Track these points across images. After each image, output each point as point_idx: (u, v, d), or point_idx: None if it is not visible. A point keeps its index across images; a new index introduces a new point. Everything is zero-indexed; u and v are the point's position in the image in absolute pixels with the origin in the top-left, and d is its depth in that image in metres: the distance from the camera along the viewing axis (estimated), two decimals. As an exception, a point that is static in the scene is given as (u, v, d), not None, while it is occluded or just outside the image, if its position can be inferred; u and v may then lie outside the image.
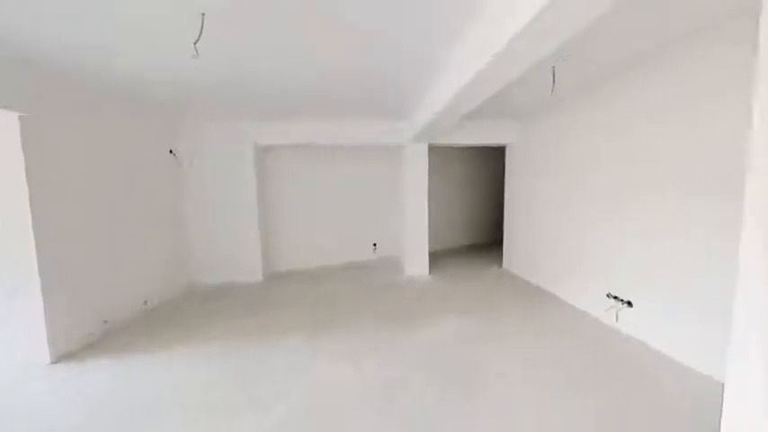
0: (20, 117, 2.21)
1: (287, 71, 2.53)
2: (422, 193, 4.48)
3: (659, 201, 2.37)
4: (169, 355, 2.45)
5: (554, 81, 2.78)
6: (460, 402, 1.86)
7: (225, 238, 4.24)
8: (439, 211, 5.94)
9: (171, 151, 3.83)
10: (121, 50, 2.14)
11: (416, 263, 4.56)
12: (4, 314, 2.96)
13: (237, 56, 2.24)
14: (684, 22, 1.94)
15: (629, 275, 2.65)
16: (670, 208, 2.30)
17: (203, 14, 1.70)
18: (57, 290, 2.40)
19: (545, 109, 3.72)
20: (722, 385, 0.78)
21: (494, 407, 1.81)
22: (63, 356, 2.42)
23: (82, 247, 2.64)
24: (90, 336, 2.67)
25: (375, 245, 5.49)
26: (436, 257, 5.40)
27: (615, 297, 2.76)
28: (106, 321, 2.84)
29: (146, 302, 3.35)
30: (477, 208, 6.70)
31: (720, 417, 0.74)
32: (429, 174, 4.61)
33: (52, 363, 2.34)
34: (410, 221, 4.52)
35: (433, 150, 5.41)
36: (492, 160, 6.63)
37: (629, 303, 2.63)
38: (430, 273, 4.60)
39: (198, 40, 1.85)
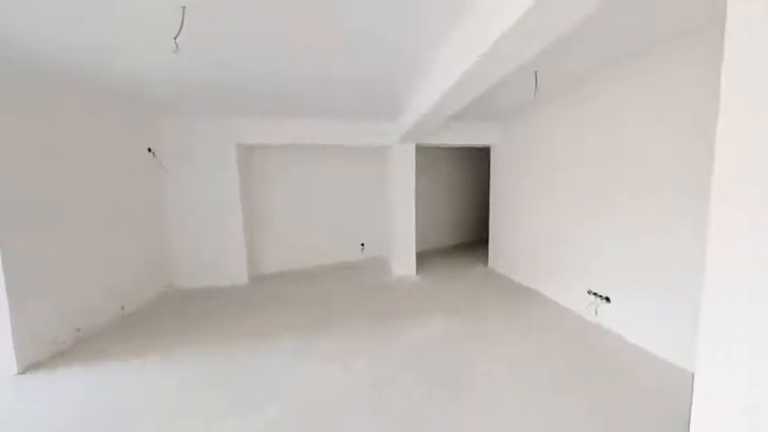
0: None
1: (272, 70, 2.48)
2: (409, 193, 4.50)
3: (635, 201, 2.47)
4: (145, 362, 2.36)
5: (536, 85, 2.85)
6: (448, 401, 1.87)
7: (208, 240, 4.12)
8: (426, 211, 5.98)
9: (150, 150, 3.69)
10: (96, 44, 2.05)
11: (404, 263, 4.57)
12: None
13: (220, 53, 2.18)
14: (667, 24, 1.98)
15: (607, 272, 2.75)
16: (645, 208, 2.40)
17: (184, 8, 1.65)
18: (24, 296, 2.27)
19: (527, 111, 3.82)
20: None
21: (480, 404, 1.83)
22: (31, 366, 2.28)
23: (52, 249, 2.50)
24: (61, 344, 2.53)
25: (363, 245, 5.47)
26: (423, 257, 5.44)
27: (595, 293, 2.86)
28: (79, 329, 2.70)
29: (123, 308, 3.21)
30: (464, 208, 6.79)
31: (691, 406, 0.79)
32: (416, 174, 4.63)
33: (19, 373, 2.20)
34: (398, 221, 4.53)
35: (420, 151, 5.45)
36: (477, 161, 6.74)
37: (608, 299, 2.73)
38: (417, 272, 4.62)
39: (178, 34, 1.78)
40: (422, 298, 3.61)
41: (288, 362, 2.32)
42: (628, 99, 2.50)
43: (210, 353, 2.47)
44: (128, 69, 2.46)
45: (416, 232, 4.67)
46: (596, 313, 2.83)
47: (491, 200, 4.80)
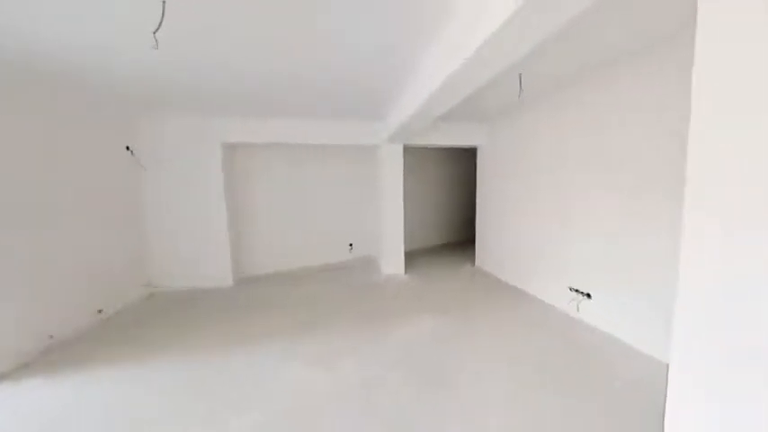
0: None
1: (256, 69, 2.44)
2: (397, 193, 4.51)
3: (615, 202, 2.56)
4: (121, 369, 2.26)
5: (521, 87, 2.92)
6: (437, 399, 1.88)
7: (191, 241, 4.00)
8: (414, 211, 6.01)
9: (128, 148, 3.55)
10: (73, 39, 1.95)
11: (392, 262, 4.58)
12: None
13: (200, 51, 2.12)
14: (650, 28, 2.01)
15: (588, 270, 2.84)
16: (624, 209, 2.49)
17: (164, 2, 1.59)
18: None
19: (512, 112, 3.90)
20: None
21: (468, 401, 1.86)
22: (-3, 377, 2.16)
23: (19, 252, 2.37)
24: (28, 354, 2.39)
25: (351, 245, 5.44)
26: (412, 257, 5.46)
27: (576, 290, 2.95)
28: (51, 336, 2.57)
29: (100, 311, 3.07)
30: (451, 208, 6.87)
31: (666, 396, 0.83)
32: (404, 174, 4.65)
33: (-16, 384, 2.07)
34: (386, 221, 4.53)
35: (408, 151, 5.48)
36: (464, 161, 6.84)
37: (589, 295, 2.83)
38: (406, 272, 4.64)
39: (157, 29, 1.73)
40: (410, 297, 3.63)
41: (273, 365, 2.29)
42: (610, 102, 2.58)
43: (192, 358, 2.40)
44: (104, 66, 2.36)
45: (405, 232, 4.68)
46: (578, 309, 2.92)
47: (478, 200, 4.87)
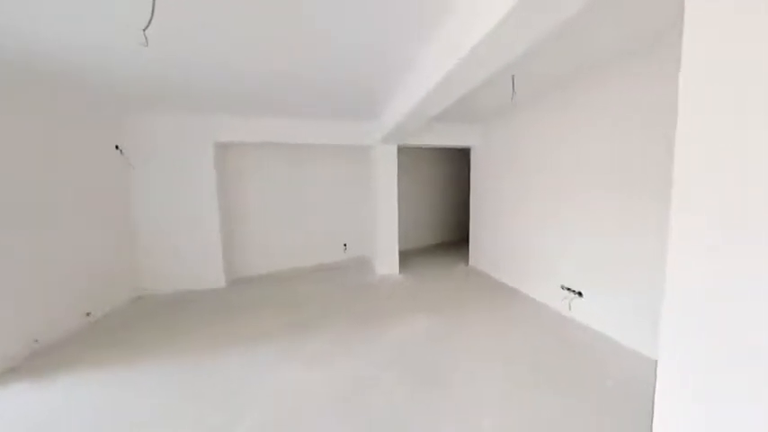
0: None
1: (251, 66, 2.41)
2: (392, 193, 4.51)
3: (605, 202, 2.61)
4: (110, 373, 2.22)
5: (513, 89, 2.94)
6: (432, 398, 1.89)
7: (183, 243, 3.94)
8: (408, 211, 6.02)
9: (117, 147, 3.49)
10: (60, 37, 1.91)
11: (387, 262, 4.58)
12: None
13: (195, 47, 2.09)
14: (642, 30, 2.03)
15: (580, 269, 2.88)
16: (614, 209, 2.53)
17: (154, -1, 1.57)
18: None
19: (505, 114, 3.93)
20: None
21: (463, 399, 1.87)
22: (-19, 382, 2.10)
23: (2, 255, 2.31)
24: (14, 358, 2.32)
25: (346, 245, 5.43)
26: (406, 256, 5.47)
27: (568, 288, 2.99)
28: (37, 340, 2.50)
29: (88, 314, 3.01)
30: (445, 207, 6.90)
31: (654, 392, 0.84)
32: (398, 174, 4.66)
33: (-33, 391, 2.01)
34: (380, 221, 4.53)
35: (402, 151, 5.48)
36: (457, 161, 6.87)
37: (580, 294, 2.87)
38: (400, 271, 4.65)
39: (147, 26, 1.69)
40: (405, 297, 3.63)
41: (267, 367, 2.27)
42: (602, 103, 2.60)
43: (182, 360, 2.36)
44: (93, 64, 2.31)
45: (399, 232, 4.69)
46: (570, 308, 2.96)
47: (471, 200, 4.90)
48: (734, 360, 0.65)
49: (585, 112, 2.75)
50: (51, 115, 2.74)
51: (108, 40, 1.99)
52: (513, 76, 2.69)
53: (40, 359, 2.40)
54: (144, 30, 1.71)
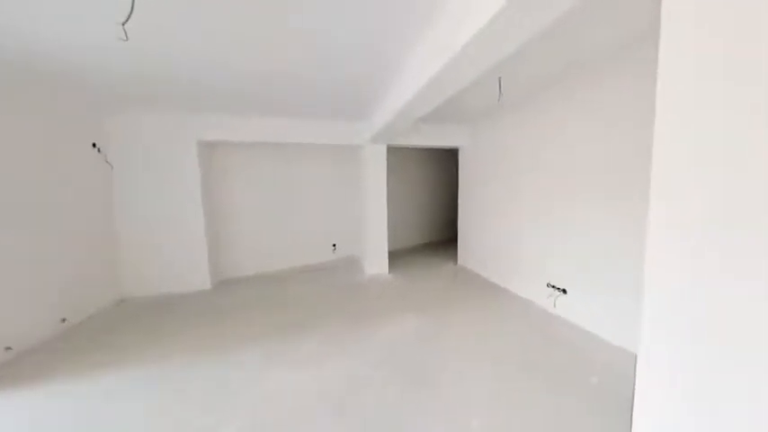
0: None
1: (238, 65, 2.35)
2: (381, 193, 4.51)
3: (589, 201, 2.68)
4: (85, 380, 2.13)
5: (500, 91, 2.99)
6: (421, 398, 1.90)
7: (166, 244, 3.82)
8: (397, 211, 6.04)
9: (94, 145, 3.35)
10: (33, 26, 1.81)
11: (376, 262, 4.58)
12: None
13: (177, 42, 2.02)
14: (628, 32, 2.05)
15: (564, 267, 2.96)
16: (597, 208, 2.60)
17: (133, -8, 1.51)
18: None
19: (493, 115, 3.99)
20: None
21: (452, 400, 1.89)
22: (-54, 394, 1.97)
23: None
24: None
25: (335, 245, 5.40)
26: (395, 256, 5.49)
27: (553, 286, 3.07)
28: (9, 348, 2.38)
29: (64, 320, 2.88)
30: (433, 207, 6.95)
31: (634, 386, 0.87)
32: (387, 174, 4.66)
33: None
34: (370, 221, 4.53)
35: (391, 151, 5.49)
36: (445, 161, 6.94)
37: (564, 291, 2.95)
38: (390, 271, 4.65)
39: (127, 20, 1.63)
40: (394, 296, 3.64)
41: (255, 369, 2.23)
42: (589, 105, 2.64)
43: (166, 366, 2.29)
44: (68, 58, 2.20)
45: (388, 232, 4.70)
46: (555, 305, 3.04)
47: (460, 200, 4.96)
48: (711, 358, 0.68)
49: (573, 113, 2.80)
50: (23, 111, 2.60)
51: (83, 34, 1.91)
52: (499, 77, 2.73)
53: (13, 368, 2.28)
54: (123, 24, 1.64)
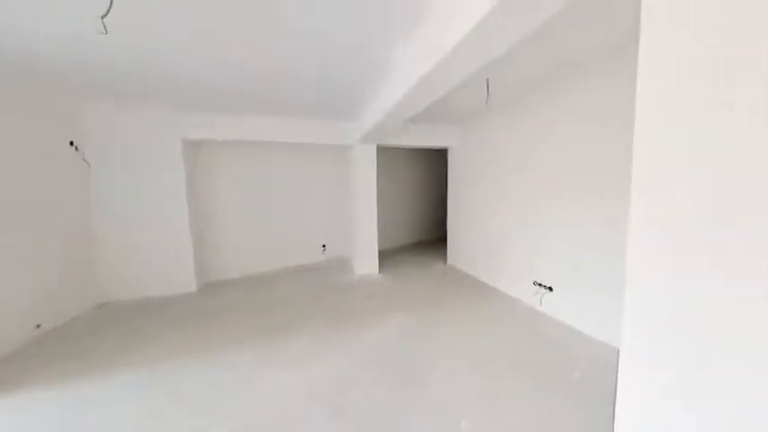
0: None
1: (222, 64, 2.31)
2: (371, 193, 4.51)
3: (573, 203, 2.75)
4: (60, 388, 2.02)
5: (488, 92, 3.03)
6: (410, 397, 1.90)
7: (149, 246, 3.71)
8: (386, 211, 6.04)
9: (72, 143, 3.21)
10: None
11: (366, 262, 4.57)
12: None
13: (160, 37, 1.97)
14: (614, 36, 2.10)
15: (550, 266, 3.03)
16: (584, 207, 2.67)
17: (113, -16, 1.46)
18: None
19: (482, 115, 4.04)
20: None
21: (442, 398, 1.90)
22: None
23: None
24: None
25: (324, 246, 5.35)
26: (385, 256, 5.49)
27: (540, 284, 3.13)
28: (-21, 355, 2.26)
29: (38, 326, 2.75)
30: (423, 207, 6.99)
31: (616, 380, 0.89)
32: (377, 174, 4.66)
33: None
34: (360, 221, 4.51)
35: (380, 151, 5.49)
36: (435, 161, 6.99)
37: (551, 288, 3.02)
38: (380, 271, 4.65)
39: (107, 13, 1.58)
40: (384, 296, 3.64)
41: (244, 372, 2.19)
42: (577, 106, 2.68)
43: (149, 372, 2.21)
44: (43, 50, 2.11)
45: (378, 231, 4.69)
46: (541, 303, 3.11)
47: (449, 199, 5.00)
48: (691, 354, 0.69)
49: (562, 114, 2.84)
50: (7, 111, 2.48)
51: (59, 27, 1.83)
52: (487, 79, 2.76)
53: (-18, 377, 2.16)
54: (102, 18, 1.59)
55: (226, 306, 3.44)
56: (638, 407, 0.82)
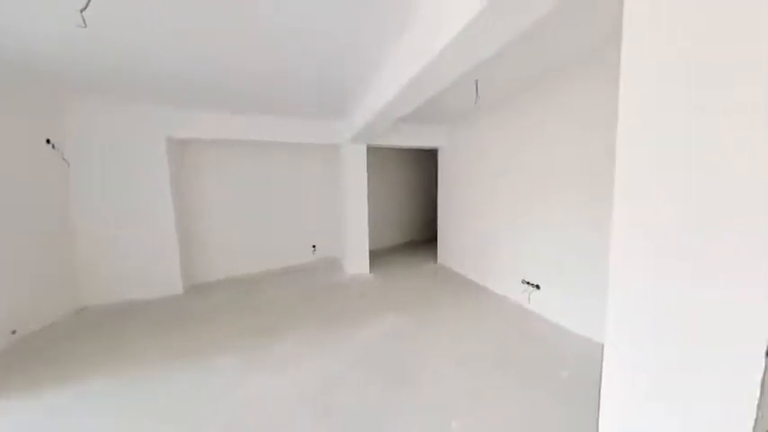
0: None
1: (212, 59, 2.25)
2: (361, 192, 4.49)
3: (559, 204, 2.81)
4: (32, 402, 1.92)
5: (477, 93, 3.06)
6: (403, 394, 1.91)
7: (133, 248, 3.59)
8: (377, 210, 6.04)
9: (49, 141, 3.08)
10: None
11: (357, 262, 4.56)
12: None
13: (144, 33, 1.90)
14: (598, 39, 2.13)
15: (538, 264, 3.09)
16: (568, 209, 2.73)
17: (93, -23, 1.41)
18: None
19: (471, 115, 4.08)
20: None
21: (432, 397, 1.91)
22: None
23: None
24: None
25: (314, 246, 5.31)
26: (376, 256, 5.49)
27: (528, 282, 3.19)
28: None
29: (14, 332, 2.63)
30: (413, 207, 7.02)
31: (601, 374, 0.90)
32: (367, 174, 4.64)
33: None
34: (350, 221, 4.49)
35: (371, 151, 5.48)
36: (425, 162, 7.02)
37: (538, 287, 3.08)
38: (371, 271, 4.65)
39: (86, 6, 1.52)
40: (376, 296, 3.64)
41: (232, 375, 2.15)
42: (566, 107, 2.70)
43: (129, 378, 2.14)
44: (17, 42, 2.01)
45: (369, 231, 4.68)
46: (529, 300, 3.17)
47: (439, 199, 5.03)
48: (673, 357, 0.70)
49: (551, 115, 2.87)
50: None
51: (37, 20, 1.75)
52: (476, 80, 2.79)
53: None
54: (81, 11, 1.53)
55: (213, 308, 3.37)
56: (622, 410, 0.83)
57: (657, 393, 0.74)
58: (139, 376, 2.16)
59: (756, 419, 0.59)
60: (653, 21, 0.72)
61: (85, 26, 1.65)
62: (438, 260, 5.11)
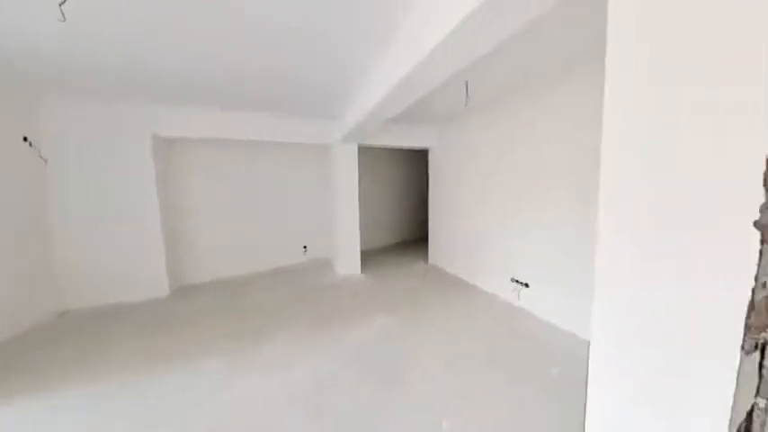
0: None
1: (196, 57, 2.20)
2: (352, 193, 4.47)
3: (549, 204, 2.85)
4: (2, 411, 1.84)
5: (467, 94, 3.08)
6: (395, 394, 1.91)
7: (115, 249, 3.48)
8: (368, 211, 6.03)
9: (26, 139, 2.96)
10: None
11: (348, 262, 4.54)
12: None
13: (127, 28, 1.84)
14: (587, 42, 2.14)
15: (527, 263, 3.14)
16: (558, 210, 2.78)
17: (72, -31, 1.35)
18: None
19: (461, 117, 4.11)
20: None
21: (424, 397, 1.92)
22: None
23: None
24: None
25: (305, 247, 5.26)
26: (367, 256, 5.48)
27: (517, 281, 3.24)
28: None
29: (-11, 338, 2.52)
30: (404, 207, 7.03)
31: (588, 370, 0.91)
32: (358, 174, 4.63)
33: None
34: (341, 221, 4.47)
35: (362, 151, 5.46)
36: (416, 162, 7.04)
37: (527, 285, 3.13)
38: (362, 271, 4.64)
39: (65, 0, 1.46)
40: (367, 296, 3.63)
41: (216, 380, 2.10)
42: (556, 108, 2.73)
43: (107, 384, 2.07)
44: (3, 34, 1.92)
45: (360, 231, 4.67)
46: (519, 298, 3.22)
47: (430, 199, 5.06)
48: (659, 361, 0.71)
49: (541, 116, 2.90)
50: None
51: (13, 12, 1.67)
52: (466, 81, 2.81)
53: None
54: (60, 5, 1.47)
55: (201, 310, 3.30)
56: (608, 414, 0.83)
57: (644, 398, 0.75)
58: (123, 380, 2.09)
59: (731, 420, 0.60)
60: (638, 23, 0.71)
61: (65, 20, 1.59)
62: (429, 260, 5.14)
